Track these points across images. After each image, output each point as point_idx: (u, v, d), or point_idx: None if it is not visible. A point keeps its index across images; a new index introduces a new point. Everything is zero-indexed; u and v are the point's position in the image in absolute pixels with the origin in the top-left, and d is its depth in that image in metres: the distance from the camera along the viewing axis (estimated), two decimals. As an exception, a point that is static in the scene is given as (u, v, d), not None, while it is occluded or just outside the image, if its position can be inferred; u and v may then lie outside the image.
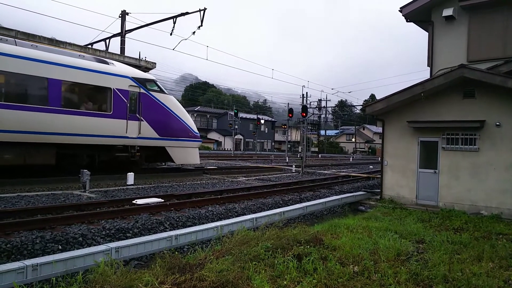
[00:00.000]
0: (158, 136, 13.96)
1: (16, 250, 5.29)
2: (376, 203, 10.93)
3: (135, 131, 13.24)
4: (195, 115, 64.14)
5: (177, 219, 7.61)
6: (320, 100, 57.01)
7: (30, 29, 17.12)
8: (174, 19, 19.49)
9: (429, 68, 12.77)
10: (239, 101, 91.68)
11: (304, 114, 26.82)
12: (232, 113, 48.09)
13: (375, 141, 75.04)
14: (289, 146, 53.57)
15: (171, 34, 19.43)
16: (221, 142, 65.33)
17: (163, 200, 8.91)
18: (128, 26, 21.33)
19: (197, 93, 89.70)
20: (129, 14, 21.30)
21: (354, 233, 6.57)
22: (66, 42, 16.27)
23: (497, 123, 9.33)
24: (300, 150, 29.49)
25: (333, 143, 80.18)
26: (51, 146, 11.37)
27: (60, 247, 5.60)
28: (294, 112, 34.37)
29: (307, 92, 38.05)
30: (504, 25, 11.30)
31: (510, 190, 9.10)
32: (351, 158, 47.32)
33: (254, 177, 17.00)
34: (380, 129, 12.81)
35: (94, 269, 4.28)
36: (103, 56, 16.55)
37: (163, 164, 17.09)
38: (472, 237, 6.80)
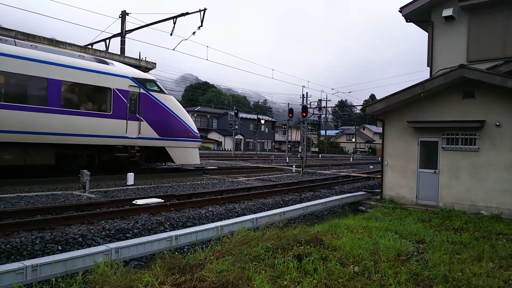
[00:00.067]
0: (158, 136, 13.96)
1: (16, 251, 5.29)
2: (376, 203, 10.93)
3: (135, 131, 13.24)
4: (195, 115, 64.14)
5: (177, 220, 7.61)
6: (320, 100, 57.01)
7: (30, 29, 17.14)
8: (174, 19, 19.50)
9: (429, 68, 12.77)
10: (239, 101, 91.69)
11: (304, 114, 26.85)
12: (232, 113, 48.09)
13: (375, 141, 75.04)
14: (289, 146, 53.58)
15: (171, 34, 19.44)
16: (221, 142, 65.33)
17: (163, 201, 8.91)
18: (128, 26, 21.35)
19: (197, 93, 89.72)
20: (129, 14, 21.32)
21: (355, 233, 6.57)
22: (66, 43, 16.27)
23: (497, 123, 9.33)
24: (300, 150, 29.49)
25: (333, 143, 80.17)
26: (50, 146, 11.36)
27: (59, 248, 5.60)
28: (294, 112, 34.38)
29: (307, 92, 38.12)
30: (503, 25, 11.30)
31: (510, 190, 9.09)
32: (351, 158, 47.31)
33: (255, 177, 16.99)
34: (380, 129, 12.81)
35: (94, 269, 4.28)
36: (103, 56, 16.55)
37: (163, 164, 17.08)
38: (472, 237, 6.80)
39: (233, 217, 8.10)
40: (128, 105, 13.02)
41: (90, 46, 20.49)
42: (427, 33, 13.06)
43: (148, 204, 8.45)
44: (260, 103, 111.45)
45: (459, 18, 11.98)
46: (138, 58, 19.27)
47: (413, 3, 12.56)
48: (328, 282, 4.25)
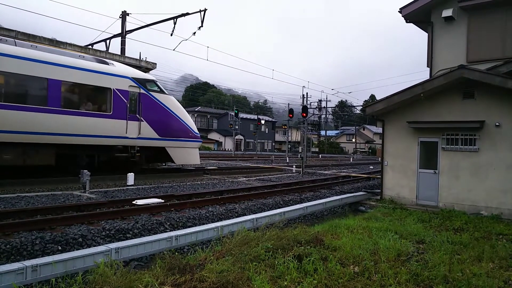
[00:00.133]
0: (158, 137, 13.96)
1: (16, 251, 5.29)
2: (376, 203, 10.92)
3: (135, 132, 13.24)
4: (195, 116, 64.16)
5: (177, 220, 7.61)
6: (320, 101, 57.03)
7: (31, 29, 17.13)
8: (175, 19, 19.50)
9: (428, 68, 12.77)
10: (239, 102, 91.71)
11: (305, 115, 26.86)
12: (233, 114, 48.09)
13: (375, 141, 75.03)
14: (289, 146, 53.58)
15: (171, 34, 19.45)
16: (221, 142, 65.34)
17: (163, 201, 8.91)
18: (128, 27, 21.35)
19: (198, 93, 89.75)
20: (129, 14, 21.32)
21: (355, 234, 6.57)
22: (66, 43, 16.28)
23: (497, 124, 9.33)
24: (300, 151, 29.49)
25: (333, 143, 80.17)
26: (50, 147, 11.36)
27: (59, 248, 5.60)
28: (295, 112, 34.40)
29: (307, 93, 38.10)
30: (503, 26, 11.30)
31: (510, 190, 9.09)
32: (351, 159, 47.31)
33: (255, 178, 16.99)
34: (380, 130, 12.81)
35: (94, 270, 4.28)
36: (104, 56, 16.55)
37: (164, 164, 17.09)
38: (472, 237, 6.80)
39: (233, 217, 8.10)
40: (128, 105, 13.02)
41: (90, 47, 20.48)
42: (427, 34, 13.06)
43: (148, 204, 8.46)
44: (260, 103, 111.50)
45: (459, 18, 11.98)
46: (139, 58, 19.28)
47: (413, 3, 12.57)
48: (328, 283, 4.26)
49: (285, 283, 4.17)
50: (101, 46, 22.36)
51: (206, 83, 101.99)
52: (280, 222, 7.36)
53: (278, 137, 76.83)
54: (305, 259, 4.82)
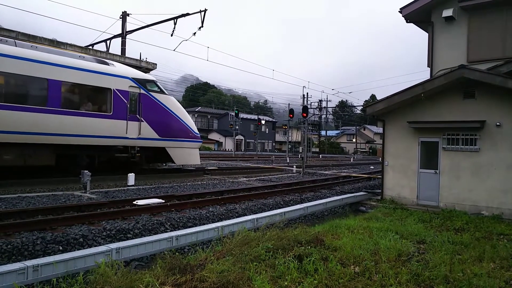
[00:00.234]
0: (158, 137, 13.97)
1: (17, 251, 5.30)
2: (377, 203, 10.92)
3: (135, 132, 13.25)
4: (195, 116, 64.19)
5: (178, 220, 7.61)
6: (320, 101, 57.04)
7: (32, 30, 17.16)
8: (175, 20, 19.51)
9: (429, 68, 12.77)
10: (239, 102, 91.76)
11: (305, 115, 26.85)
12: (233, 114, 48.12)
13: (375, 141, 75.01)
14: (290, 146, 53.57)
15: (171, 35, 19.47)
16: (222, 142, 65.36)
17: (163, 201, 8.91)
18: (129, 27, 21.37)
19: (198, 93, 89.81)
20: (130, 15, 21.34)
21: (355, 234, 6.56)
22: (67, 43, 16.29)
23: (498, 123, 9.33)
24: (301, 151, 29.49)
25: (333, 143, 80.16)
26: (51, 147, 11.37)
27: (60, 248, 5.60)
28: (295, 112, 34.41)
29: (307, 93, 38.13)
30: (504, 26, 11.29)
31: (511, 190, 9.09)
32: (351, 159, 47.29)
33: (255, 178, 17.00)
34: (380, 130, 12.81)
35: (94, 270, 4.28)
36: (104, 57, 16.57)
37: (164, 164, 17.09)
38: (473, 237, 6.79)
39: (234, 218, 8.10)
40: (128, 105, 13.03)
41: (91, 47, 20.51)
42: (427, 34, 13.06)
43: (148, 204, 8.46)
44: (260, 103, 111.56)
45: (459, 18, 11.98)
46: (139, 58, 19.29)
47: (413, 3, 12.57)
48: (328, 283, 4.26)
49: (286, 283, 4.17)
50: (101, 47, 22.38)
51: (206, 83, 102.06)
52: (281, 222, 7.36)
53: (279, 137, 76.83)
54: (306, 259, 4.82)
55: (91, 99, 12.42)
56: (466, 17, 11.91)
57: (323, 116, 61.19)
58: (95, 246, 5.68)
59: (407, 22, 13.19)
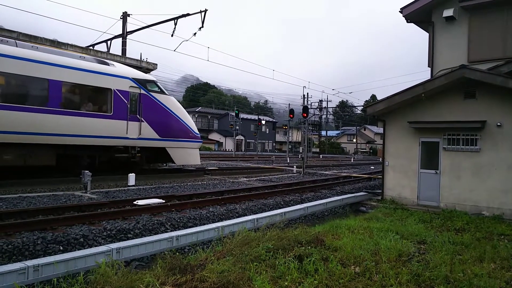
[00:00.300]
0: (159, 137, 13.98)
1: (18, 251, 5.30)
2: (377, 203, 10.91)
3: (135, 132, 13.26)
4: (196, 116, 64.21)
5: (178, 220, 7.62)
6: (321, 101, 57.02)
7: (33, 31, 17.17)
8: (175, 20, 19.52)
9: (429, 68, 12.76)
10: (240, 102, 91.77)
11: (305, 115, 26.86)
12: (233, 114, 48.12)
13: (376, 141, 74.98)
14: (290, 146, 53.58)
15: (172, 35, 19.48)
16: (222, 143, 65.37)
17: (164, 201, 8.91)
18: (129, 28, 21.39)
19: (198, 94, 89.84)
20: (130, 15, 21.35)
21: (355, 234, 6.56)
22: (67, 44, 16.31)
23: (498, 124, 9.32)
24: (301, 151, 29.48)
25: (334, 143, 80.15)
26: (51, 147, 11.39)
27: (61, 248, 5.61)
28: (295, 112, 34.42)
29: (308, 93, 38.07)
30: (504, 25, 11.29)
31: (512, 190, 9.08)
32: (352, 159, 47.28)
33: (255, 178, 17.00)
34: (381, 130, 12.80)
35: (95, 270, 4.29)
36: (104, 57, 16.59)
37: (164, 165, 17.10)
38: (473, 237, 6.79)
39: (234, 218, 8.10)
40: (128, 105, 13.04)
41: (91, 47, 20.54)
42: (428, 34, 13.06)
43: (149, 204, 8.46)
44: (261, 103, 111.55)
45: (460, 18, 11.97)
46: (139, 59, 19.31)
47: (413, 3, 12.56)
48: (329, 283, 4.25)
49: (286, 283, 4.17)
50: (102, 47, 22.42)
51: (206, 84, 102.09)
52: (281, 222, 7.36)
53: (279, 137, 76.83)
54: (306, 260, 4.82)
55: (92, 99, 12.43)
56: (467, 17, 11.90)
57: (324, 116, 61.17)
58: (96, 246, 5.69)
59: (407, 22, 13.19)
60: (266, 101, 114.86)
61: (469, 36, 11.87)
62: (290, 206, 9.61)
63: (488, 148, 9.48)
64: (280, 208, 9.56)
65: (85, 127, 11.85)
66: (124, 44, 21.21)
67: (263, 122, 56.52)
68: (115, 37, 21.69)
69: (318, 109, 56.55)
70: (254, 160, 32.64)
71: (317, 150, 62.64)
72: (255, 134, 57.06)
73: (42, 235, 5.83)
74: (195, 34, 19.08)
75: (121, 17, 21.27)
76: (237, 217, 8.33)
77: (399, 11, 12.94)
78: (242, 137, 62.81)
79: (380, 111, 11.17)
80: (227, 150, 60.02)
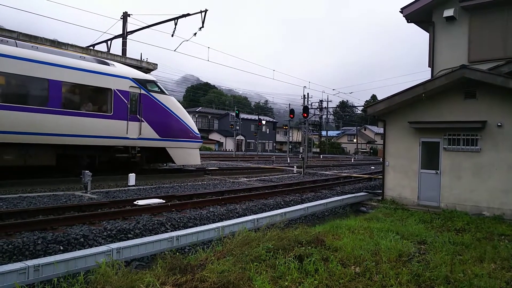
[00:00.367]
0: (159, 137, 13.98)
1: (18, 251, 5.30)
2: (377, 204, 10.91)
3: (135, 132, 13.26)
4: (196, 116, 64.22)
5: (179, 220, 7.62)
6: (321, 101, 57.01)
7: (33, 31, 17.19)
8: (176, 20, 19.53)
9: (430, 68, 12.76)
10: (240, 102, 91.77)
11: (306, 115, 26.86)
12: (234, 114, 48.12)
13: (376, 141, 74.98)
14: (290, 147, 53.56)
15: (172, 35, 19.49)
16: (222, 143, 65.37)
17: (164, 201, 8.92)
18: (129, 28, 21.40)
19: (199, 94, 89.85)
20: (130, 15, 21.36)
21: (356, 234, 6.56)
22: (68, 44, 16.32)
23: (499, 124, 9.31)
24: (301, 151, 29.49)
25: (334, 143, 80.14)
26: (51, 147, 11.39)
27: (61, 248, 5.61)
28: (296, 112, 34.41)
29: (308, 93, 38.07)
30: (505, 25, 11.28)
31: (512, 190, 9.07)
32: (352, 159, 47.28)
33: (256, 178, 16.99)
34: (381, 130, 12.80)
35: (95, 269, 4.29)
36: (105, 57, 16.59)
37: (164, 165, 17.11)
38: (474, 238, 6.78)
39: (234, 218, 8.10)
40: (128, 105, 13.05)
41: (92, 47, 20.55)
42: (428, 34, 13.05)
43: (149, 204, 8.46)
44: (261, 103, 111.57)
45: (460, 18, 11.97)
46: (140, 59, 19.33)
47: (414, 3, 12.56)
48: (329, 283, 4.25)
49: (286, 283, 4.17)
50: (102, 47, 22.44)
51: (207, 84, 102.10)
52: (281, 222, 7.36)
53: (279, 137, 76.83)
54: (306, 260, 4.82)
55: (92, 99, 12.43)
56: (467, 17, 11.90)
57: (324, 117, 61.19)
58: (96, 246, 5.69)
59: (408, 22, 13.18)
60: (267, 101, 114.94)
61: (469, 36, 11.87)
62: (290, 206, 9.61)
63: (489, 148, 9.47)
64: (280, 208, 9.56)
65: (85, 127, 11.86)
66: (124, 44, 21.22)
67: (264, 122, 56.54)
68: (115, 37, 21.70)
69: (318, 109, 56.55)
70: (254, 160, 32.64)
71: (318, 150, 62.63)
72: (255, 134, 57.07)
73: (43, 235, 5.83)
74: (195, 34, 19.10)
75: (122, 17, 21.29)
76: (238, 217, 8.33)
77: (400, 11, 12.94)
78: (242, 137, 62.83)
79: (381, 111, 11.17)
80: (228, 150, 60.02)
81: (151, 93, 13.75)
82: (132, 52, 23.71)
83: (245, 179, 16.43)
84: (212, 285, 3.97)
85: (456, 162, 9.94)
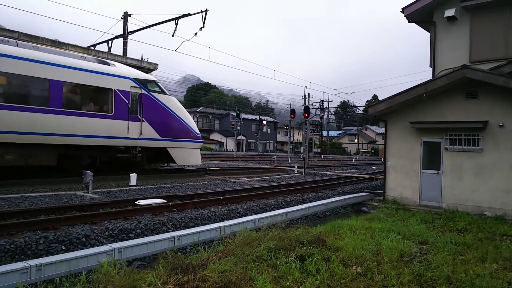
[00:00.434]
0: (160, 137, 13.99)
1: (20, 251, 5.32)
2: (379, 204, 10.90)
3: (136, 132, 13.28)
4: (197, 116, 64.22)
5: (180, 220, 7.62)
6: (322, 101, 56.96)
7: (33, 31, 17.22)
8: (176, 20, 19.53)
9: (431, 68, 12.74)
10: (241, 102, 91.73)
11: (306, 115, 26.81)
12: (234, 114, 48.12)
13: (377, 141, 74.92)
14: (291, 147, 53.55)
15: (173, 35, 19.50)
16: (223, 143, 65.38)
17: (165, 201, 8.93)
18: (130, 28, 21.41)
19: (199, 94, 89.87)
20: (131, 15, 21.38)
21: (357, 234, 6.56)
22: (69, 44, 16.34)
23: (500, 124, 9.30)
24: (302, 151, 29.46)
25: (335, 144, 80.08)
26: (52, 147, 11.40)
27: (63, 248, 5.62)
28: (297, 112, 34.37)
29: (309, 93, 38.14)
30: (506, 25, 11.26)
31: (514, 191, 9.05)
32: (353, 159, 47.24)
33: (257, 178, 16.99)
34: (382, 130, 12.79)
35: (97, 269, 4.30)
36: (105, 57, 16.61)
37: (165, 165, 17.12)
38: (475, 238, 6.78)
39: (236, 218, 8.10)
40: (129, 105, 13.06)
41: (92, 47, 20.57)
42: (429, 34, 13.04)
43: (150, 204, 8.47)
44: (262, 103, 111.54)
45: (462, 18, 11.95)
46: (140, 59, 19.34)
47: (415, 3, 12.55)
48: (330, 283, 4.25)
49: (287, 283, 4.17)
50: (103, 47, 22.43)
51: (207, 84, 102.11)
52: (282, 222, 7.35)
53: (280, 137, 76.81)
54: (307, 260, 4.82)
55: (93, 99, 12.45)
56: (468, 17, 11.88)
57: (325, 117, 61.15)
58: (98, 245, 5.69)
59: (409, 22, 13.17)
60: (267, 101, 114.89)
61: (470, 36, 11.85)
62: (291, 206, 9.62)
63: (490, 149, 9.46)
64: (281, 208, 9.56)
65: (86, 127, 11.87)
66: (125, 44, 21.24)
67: (264, 122, 56.56)
68: (116, 37, 21.72)
69: (319, 109, 56.47)
70: (255, 160, 32.64)
71: (319, 150, 62.60)
72: (256, 134, 57.07)
73: (45, 235, 5.85)
74: (196, 34, 19.10)
75: (122, 17, 21.30)
76: (239, 217, 8.33)
77: (401, 11, 12.93)
78: (243, 137, 62.82)
79: (382, 111, 11.16)
80: (228, 150, 60.02)
81: (152, 93, 13.76)
82: (133, 52, 23.75)
83: (246, 179, 16.43)
84: (214, 284, 3.97)
85: (457, 162, 9.93)
